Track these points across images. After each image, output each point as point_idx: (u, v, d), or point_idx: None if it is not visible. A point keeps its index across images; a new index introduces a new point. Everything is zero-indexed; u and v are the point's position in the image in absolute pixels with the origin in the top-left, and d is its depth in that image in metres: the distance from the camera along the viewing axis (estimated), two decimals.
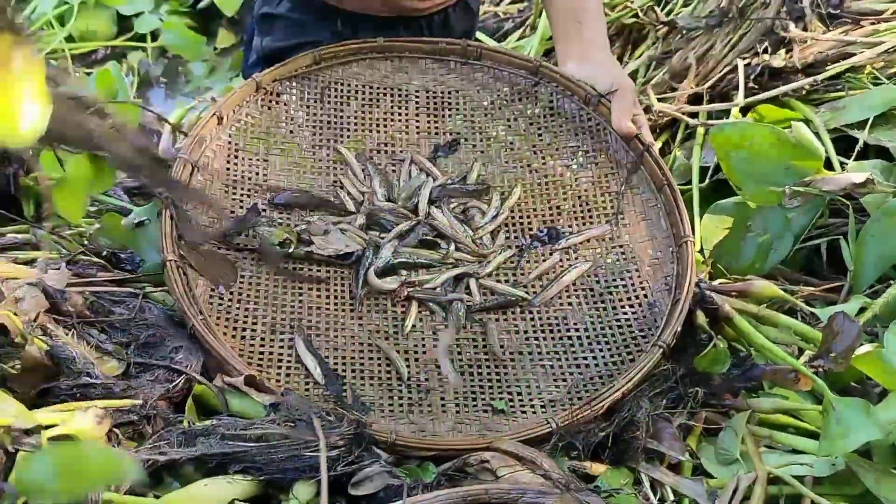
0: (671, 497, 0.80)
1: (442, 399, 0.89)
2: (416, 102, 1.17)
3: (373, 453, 0.75)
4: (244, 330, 0.91)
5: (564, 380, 0.92)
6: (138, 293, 0.93)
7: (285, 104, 1.13)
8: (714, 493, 0.80)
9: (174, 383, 0.79)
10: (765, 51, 1.49)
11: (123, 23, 2.22)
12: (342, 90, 1.16)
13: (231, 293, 0.94)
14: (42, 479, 0.57)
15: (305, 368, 0.88)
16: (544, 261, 1.03)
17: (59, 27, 2.07)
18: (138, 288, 0.96)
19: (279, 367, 0.89)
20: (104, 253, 1.01)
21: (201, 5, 2.32)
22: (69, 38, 2.10)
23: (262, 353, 0.90)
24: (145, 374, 0.80)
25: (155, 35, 2.22)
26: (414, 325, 0.95)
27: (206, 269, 0.94)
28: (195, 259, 0.93)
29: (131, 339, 0.85)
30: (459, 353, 0.94)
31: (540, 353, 0.95)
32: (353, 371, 0.90)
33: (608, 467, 0.82)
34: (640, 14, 1.73)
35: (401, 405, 0.88)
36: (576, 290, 1.00)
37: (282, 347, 0.91)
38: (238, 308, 0.93)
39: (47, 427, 0.65)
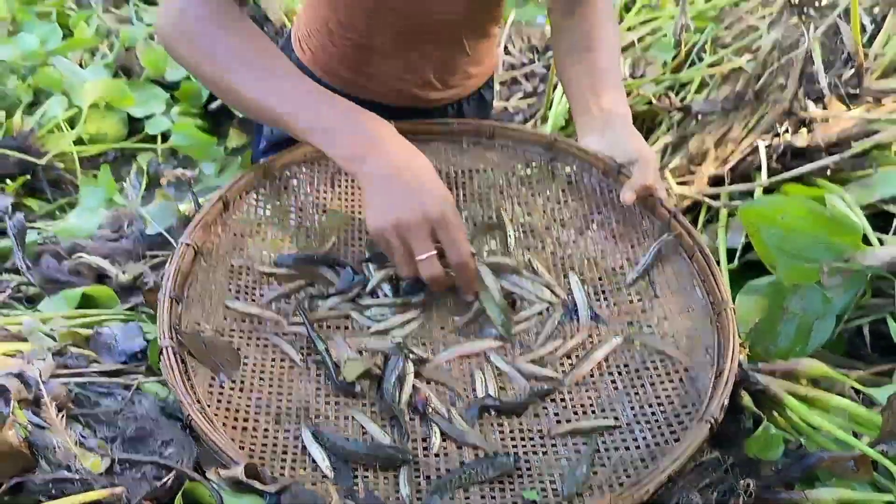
0: None
1: (466, 492, 0.79)
2: None
3: None
4: (246, 420, 0.83)
5: (603, 465, 0.82)
6: (130, 384, 0.86)
7: (294, 189, 1.08)
8: None
9: (162, 480, 0.71)
10: (785, 131, 1.47)
11: (134, 125, 2.23)
12: None
13: (233, 382, 0.86)
14: None
15: (313, 461, 0.79)
16: (571, 338, 0.95)
17: (68, 130, 2.08)
18: (131, 379, 0.89)
19: (283, 461, 0.80)
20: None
21: (212, 106, 2.33)
22: (78, 141, 2.10)
23: (264, 445, 0.81)
24: (130, 470, 0.72)
25: (165, 136, 2.22)
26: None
27: (207, 356, 0.86)
28: (194, 346, 0.86)
29: (117, 434, 0.77)
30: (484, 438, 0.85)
31: (574, 437, 0.85)
32: (366, 464, 0.81)
33: None
34: (654, 101, 1.72)
35: (419, 499, 0.78)
36: (609, 368, 0.92)
37: (287, 439, 0.82)
38: (240, 398, 0.85)
39: None
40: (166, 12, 0.98)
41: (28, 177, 1.92)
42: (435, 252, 0.92)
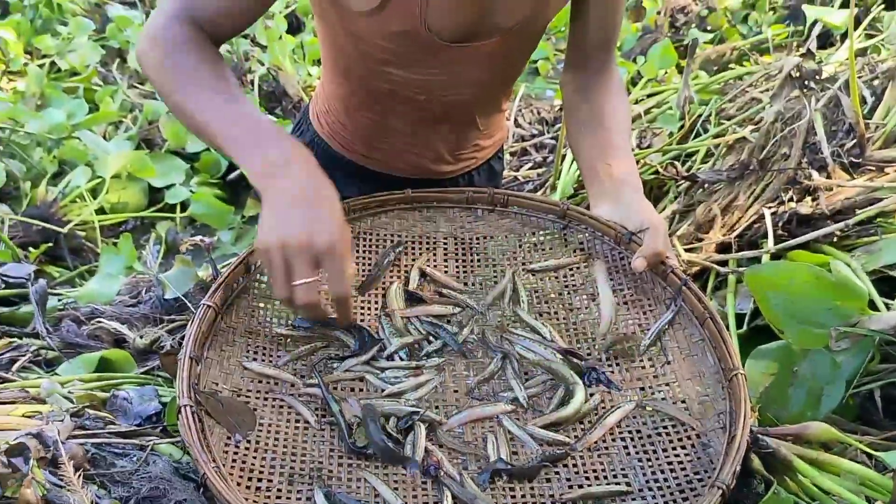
0: None
1: None
2: (445, 249, 1.15)
3: None
4: (259, 481, 0.84)
5: None
6: (145, 446, 0.88)
7: None
8: None
9: None
10: (790, 199, 1.49)
11: (154, 195, 2.29)
12: (371, 240, 1.15)
13: (248, 442, 0.88)
14: None
15: None
16: (584, 403, 0.96)
17: (90, 200, 2.13)
18: (146, 440, 0.91)
19: None
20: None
21: (231, 177, 2.39)
22: (100, 211, 2.15)
23: None
24: None
25: (184, 206, 2.27)
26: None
27: (223, 415, 0.88)
28: (212, 405, 0.88)
29: (132, 493, 0.79)
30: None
31: (585, 502, 0.85)
32: None
33: None
34: (661, 170, 1.76)
35: None
36: (621, 433, 0.93)
37: (299, 500, 0.83)
38: (255, 458, 0.86)
39: None
40: (143, 37, 1.04)
41: (50, 244, 1.97)
42: (313, 279, 0.90)
